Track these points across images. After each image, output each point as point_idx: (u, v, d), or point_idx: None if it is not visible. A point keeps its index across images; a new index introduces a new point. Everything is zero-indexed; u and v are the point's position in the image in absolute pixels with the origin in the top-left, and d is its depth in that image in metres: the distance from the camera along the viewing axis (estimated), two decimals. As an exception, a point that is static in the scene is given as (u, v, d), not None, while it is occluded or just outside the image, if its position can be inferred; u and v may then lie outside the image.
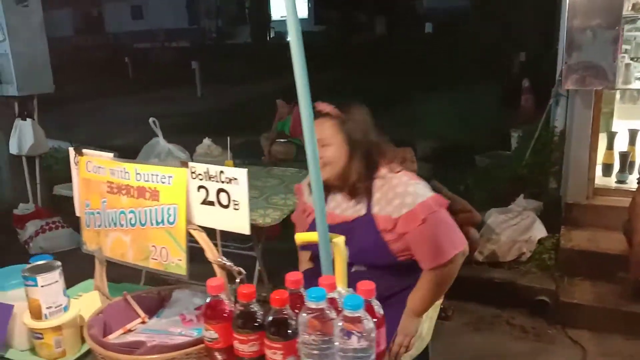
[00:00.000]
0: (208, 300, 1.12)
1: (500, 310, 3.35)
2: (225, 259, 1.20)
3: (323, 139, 1.67)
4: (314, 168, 1.11)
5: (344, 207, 1.78)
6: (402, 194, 1.68)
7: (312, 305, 1.01)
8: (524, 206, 3.85)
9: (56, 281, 1.32)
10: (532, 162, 4.41)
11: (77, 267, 4.08)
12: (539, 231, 3.68)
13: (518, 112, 6.37)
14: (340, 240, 1.30)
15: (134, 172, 1.21)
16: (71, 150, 1.30)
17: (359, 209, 1.73)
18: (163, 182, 1.18)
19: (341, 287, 1.20)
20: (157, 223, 1.20)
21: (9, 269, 1.46)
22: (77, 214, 1.35)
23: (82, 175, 1.31)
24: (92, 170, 1.29)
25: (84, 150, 1.28)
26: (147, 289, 1.51)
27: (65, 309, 1.35)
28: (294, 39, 1.08)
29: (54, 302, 1.32)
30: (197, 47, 18.57)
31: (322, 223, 1.16)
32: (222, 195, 1.13)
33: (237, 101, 11.18)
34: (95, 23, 22.67)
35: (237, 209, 1.12)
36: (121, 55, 16.13)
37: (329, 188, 1.73)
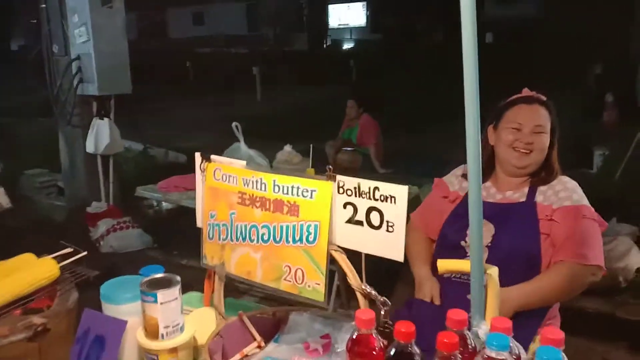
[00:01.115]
0: (355, 335, 0.99)
1: (594, 343, 3.08)
2: (369, 287, 1.06)
3: (541, 126, 1.70)
4: (475, 167, 0.96)
5: (496, 195, 1.77)
6: (572, 189, 1.69)
7: (493, 354, 0.86)
8: (617, 231, 3.57)
9: (175, 298, 1.22)
10: (624, 183, 4.10)
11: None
12: (637, 258, 3.39)
13: (600, 129, 6.00)
14: (494, 271, 1.14)
15: (271, 183, 1.10)
16: (198, 156, 1.21)
17: (518, 197, 1.73)
18: (304, 196, 1.06)
19: (484, 322, 1.04)
20: (295, 241, 1.08)
21: (120, 280, 1.38)
22: (199, 224, 1.25)
23: (209, 184, 1.21)
24: (221, 179, 1.19)
25: (213, 157, 1.19)
26: (261, 308, 1.39)
27: (182, 329, 1.25)
28: (467, 35, 0.94)
29: (172, 322, 1.22)
30: (256, 53, 18.84)
31: (477, 249, 1.01)
32: (374, 215, 1.00)
33: (296, 107, 11.17)
34: (159, 28, 23.44)
35: (390, 232, 0.98)
36: (183, 60, 16.52)
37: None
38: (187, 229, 4.80)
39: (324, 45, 23.42)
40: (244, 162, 1.16)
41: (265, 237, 1.14)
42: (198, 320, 1.40)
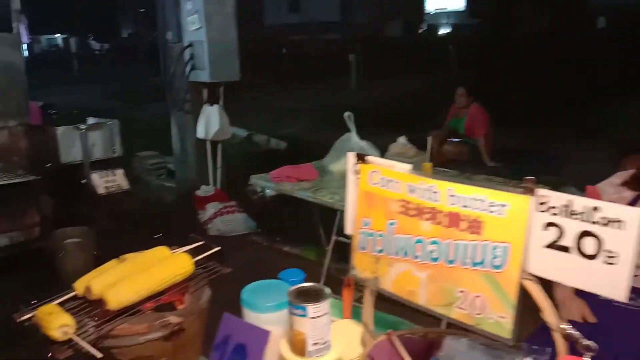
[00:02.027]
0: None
1: None
2: (571, 326, 0.86)
3: None
4: None
5: None
6: None
7: None
8: None
9: (326, 313, 1.09)
10: None
11: (252, 253, 4.06)
12: None
13: None
14: None
15: (446, 193, 0.93)
16: (350, 156, 1.06)
17: None
18: (492, 212, 0.88)
19: None
20: (475, 264, 0.90)
21: (260, 285, 1.28)
22: (348, 231, 1.12)
23: (364, 188, 1.06)
24: (380, 184, 1.04)
25: (369, 158, 1.04)
26: (412, 329, 1.23)
27: (329, 347, 1.12)
28: None
29: (321, 338, 1.09)
30: (351, 40, 18.65)
31: None
32: (588, 241, 0.80)
33: (394, 95, 10.87)
34: (255, 15, 23.97)
35: (611, 264, 0.78)
36: (278, 47, 16.74)
37: None
38: (289, 216, 4.75)
39: (420, 31, 22.68)
40: (409, 166, 1.00)
41: (435, 256, 0.97)
42: (340, 334, 1.27)
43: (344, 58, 12.77)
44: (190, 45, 4.48)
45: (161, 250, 1.54)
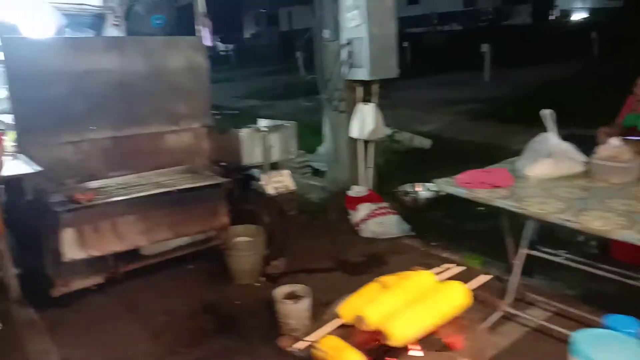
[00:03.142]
0: None
1: None
2: None
3: None
4: None
5: None
6: None
7: None
8: None
9: None
10: None
11: (411, 259, 3.83)
12: None
13: None
14: None
15: None
16: None
17: None
18: None
19: None
20: None
21: (596, 335, 1.03)
22: None
23: None
24: None
25: None
26: None
27: None
28: None
29: None
30: (476, 29, 17.73)
31: None
32: None
33: (533, 86, 10.03)
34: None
35: None
36: (400, 40, 16.33)
37: None
38: (445, 220, 4.45)
39: (552, 17, 20.92)
40: None
41: None
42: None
43: (468, 48, 12.09)
44: (348, 42, 4.37)
45: (425, 276, 1.38)
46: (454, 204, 4.41)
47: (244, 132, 3.25)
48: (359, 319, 1.21)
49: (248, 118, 8.68)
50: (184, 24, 5.09)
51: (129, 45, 3.27)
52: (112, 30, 4.56)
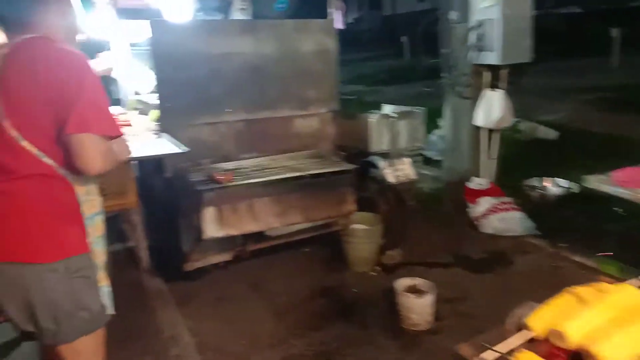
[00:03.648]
0: None
1: None
2: None
3: None
4: None
5: None
6: None
7: None
8: None
9: None
10: None
11: (538, 260, 3.56)
12: None
13: None
14: None
15: None
16: None
17: None
18: None
19: None
20: None
21: None
22: None
23: None
24: None
25: None
26: None
27: None
28: None
29: None
30: (599, 11, 16.08)
31: None
32: None
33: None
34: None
35: None
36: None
37: None
38: (576, 220, 4.06)
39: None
40: None
41: None
42: None
43: (591, 32, 10.97)
44: (479, 25, 4.10)
45: (630, 291, 1.21)
46: (586, 203, 4.04)
47: (373, 118, 3.16)
48: (557, 334, 1.07)
49: (356, 104, 8.61)
50: (307, 7, 5.10)
51: (262, 28, 3.30)
52: (238, 14, 4.65)
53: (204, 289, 3.19)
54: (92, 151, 1.45)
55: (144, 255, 3.36)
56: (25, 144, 1.46)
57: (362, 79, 12.92)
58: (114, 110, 4.07)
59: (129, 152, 1.71)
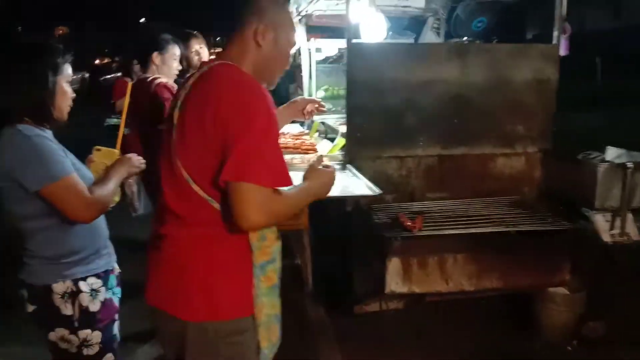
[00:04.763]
0: None
1: None
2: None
3: None
4: None
5: None
6: None
7: None
8: None
9: None
10: None
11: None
12: None
13: None
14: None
15: None
16: None
17: None
18: None
19: None
20: None
21: None
22: None
23: None
24: None
25: None
26: None
27: None
28: None
29: None
30: None
31: None
32: None
33: None
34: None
35: None
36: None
37: None
38: None
39: None
40: None
41: None
42: None
43: None
44: None
45: None
46: None
47: (602, 167, 2.55)
48: None
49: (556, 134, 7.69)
50: (504, 27, 4.55)
51: (472, 53, 2.88)
52: (430, 35, 4.30)
53: (366, 327, 3.02)
54: (246, 203, 1.24)
55: (308, 278, 3.28)
56: (196, 188, 1.34)
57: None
58: (293, 128, 4.07)
59: (328, 191, 1.51)
